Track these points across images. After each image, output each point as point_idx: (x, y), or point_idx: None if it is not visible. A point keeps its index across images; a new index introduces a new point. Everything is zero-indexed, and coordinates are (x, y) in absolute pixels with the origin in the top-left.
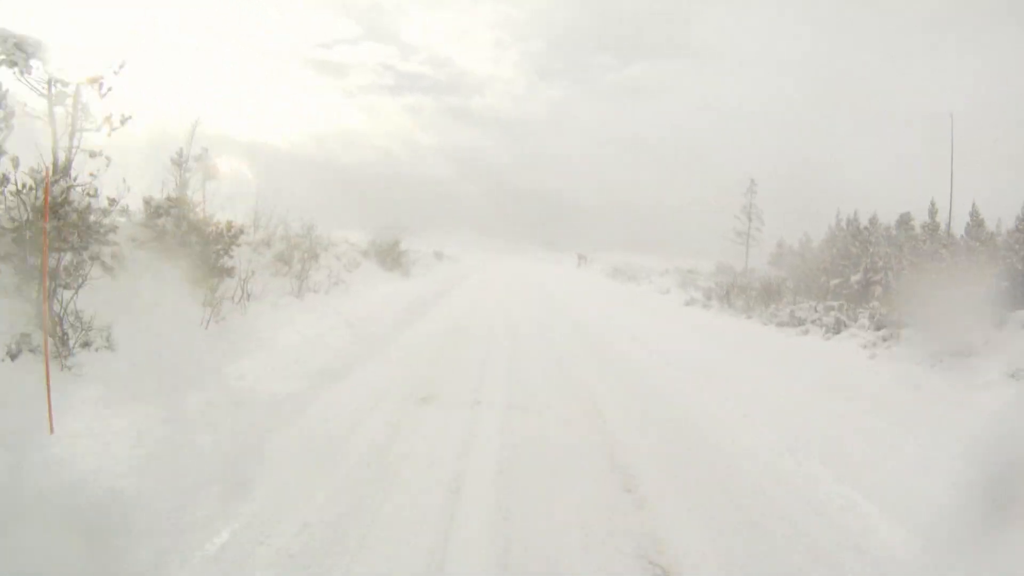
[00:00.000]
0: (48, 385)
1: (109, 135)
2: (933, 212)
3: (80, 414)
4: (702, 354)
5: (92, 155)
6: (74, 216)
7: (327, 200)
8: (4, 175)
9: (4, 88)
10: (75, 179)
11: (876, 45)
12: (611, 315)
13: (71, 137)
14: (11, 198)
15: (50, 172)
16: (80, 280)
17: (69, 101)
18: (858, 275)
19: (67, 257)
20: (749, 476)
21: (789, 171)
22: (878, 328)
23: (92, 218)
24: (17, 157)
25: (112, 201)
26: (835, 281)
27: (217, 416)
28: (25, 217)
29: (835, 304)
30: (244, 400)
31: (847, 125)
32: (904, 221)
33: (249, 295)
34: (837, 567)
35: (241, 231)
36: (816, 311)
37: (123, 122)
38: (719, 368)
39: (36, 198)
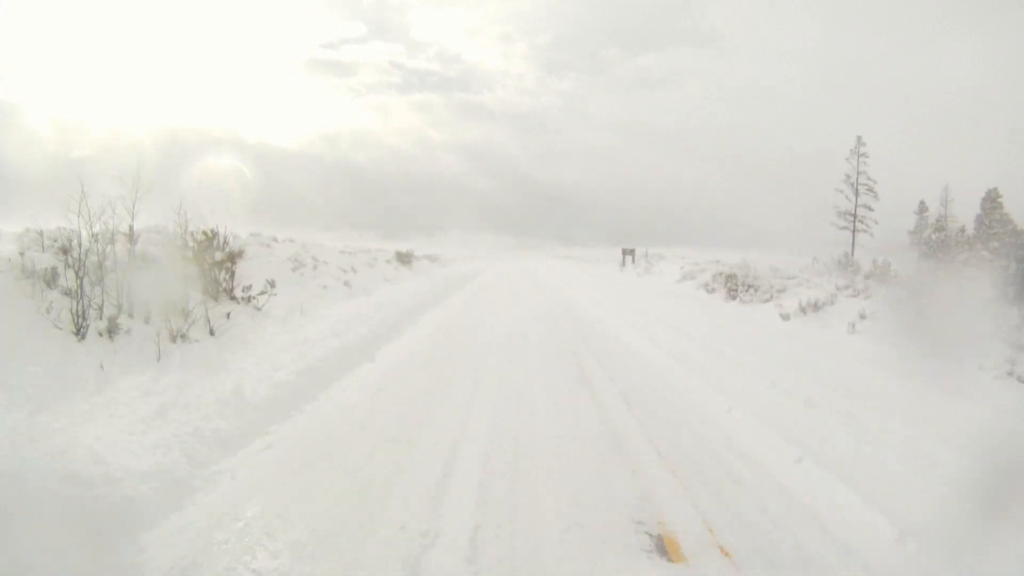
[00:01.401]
0: None
1: None
2: (993, 196)
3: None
4: None
5: None
6: None
7: (335, 200)
8: None
9: None
10: None
11: (884, 29)
12: None
13: None
14: None
15: None
16: None
17: None
18: None
19: None
20: None
21: (811, 155)
22: None
23: None
24: None
25: None
26: None
27: None
28: None
29: None
30: None
31: (856, 111)
32: (993, 199)
33: None
34: None
35: None
36: None
37: None
38: None
39: None
